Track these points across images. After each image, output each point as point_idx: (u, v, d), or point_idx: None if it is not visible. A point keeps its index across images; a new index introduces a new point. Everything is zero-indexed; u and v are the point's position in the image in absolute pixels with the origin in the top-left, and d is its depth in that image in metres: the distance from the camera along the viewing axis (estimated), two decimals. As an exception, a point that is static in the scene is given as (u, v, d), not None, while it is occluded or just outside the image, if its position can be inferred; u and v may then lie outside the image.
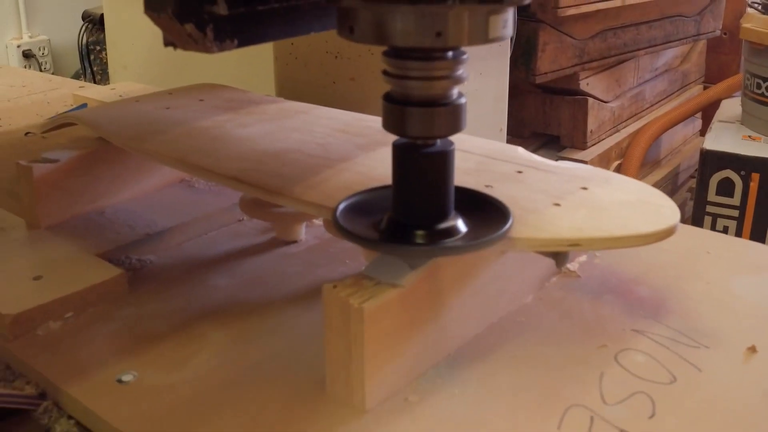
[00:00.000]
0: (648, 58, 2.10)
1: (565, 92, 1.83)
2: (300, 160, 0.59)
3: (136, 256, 0.62)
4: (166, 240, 0.65)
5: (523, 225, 0.48)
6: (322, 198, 0.53)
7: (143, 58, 1.71)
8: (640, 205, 0.52)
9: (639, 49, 1.98)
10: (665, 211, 0.51)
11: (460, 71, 0.44)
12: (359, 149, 0.61)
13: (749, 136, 1.72)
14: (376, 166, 0.58)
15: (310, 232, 0.67)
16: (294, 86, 1.08)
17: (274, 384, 0.48)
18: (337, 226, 0.48)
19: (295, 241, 0.65)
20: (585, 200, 0.52)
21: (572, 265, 0.61)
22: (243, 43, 0.45)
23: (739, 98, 1.97)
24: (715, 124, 1.83)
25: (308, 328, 0.54)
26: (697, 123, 2.38)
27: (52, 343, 0.52)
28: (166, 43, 0.44)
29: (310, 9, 0.49)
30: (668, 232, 0.49)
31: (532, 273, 0.57)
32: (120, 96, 1.01)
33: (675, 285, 0.59)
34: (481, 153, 0.61)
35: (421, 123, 0.45)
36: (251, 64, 1.35)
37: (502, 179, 0.55)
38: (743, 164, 1.62)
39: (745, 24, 1.91)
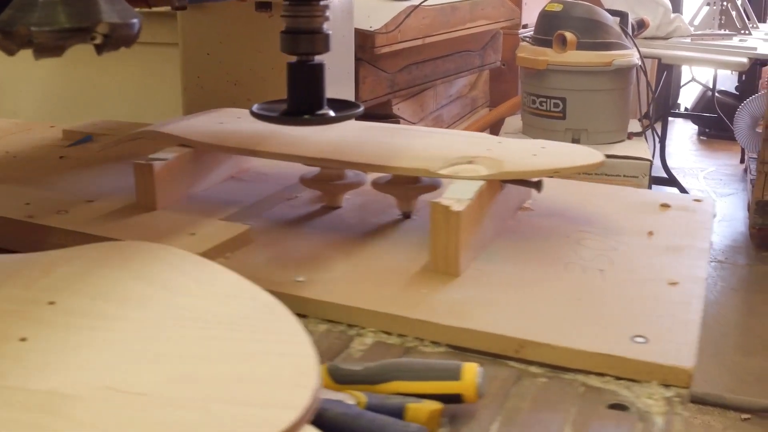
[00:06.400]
0: (444, 86, 2.55)
1: (381, 117, 2.17)
2: (370, 146, 0.90)
3: (240, 222, 0.89)
4: (254, 211, 0.92)
5: (523, 164, 0.82)
6: (418, 163, 0.84)
7: (34, 102, 1.88)
8: (580, 151, 0.87)
9: (437, 79, 2.41)
10: (595, 153, 0.86)
11: (327, 13, 0.80)
12: (395, 136, 0.93)
13: (529, 143, 2.22)
14: (427, 144, 0.90)
15: (345, 201, 0.96)
16: (201, 110, 1.38)
17: (393, 270, 0.77)
18: (254, 115, 0.83)
19: (339, 207, 0.94)
20: (548, 151, 0.87)
21: (526, 204, 0.95)
22: (192, 1, 0.82)
23: (519, 115, 2.50)
24: (502, 136, 2.32)
25: (392, 243, 0.84)
26: (490, 141, 2.87)
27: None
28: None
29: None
30: (601, 163, 0.84)
31: (511, 205, 0.91)
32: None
33: (591, 211, 0.95)
34: (466, 136, 0.94)
35: (307, 44, 0.80)
36: (157, 96, 1.63)
37: (493, 146, 0.89)
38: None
39: (520, 54, 2.47)
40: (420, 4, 2.02)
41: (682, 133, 4.98)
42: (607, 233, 0.87)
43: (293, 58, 0.83)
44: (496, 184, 0.83)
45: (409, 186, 0.89)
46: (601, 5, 3.07)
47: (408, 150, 0.89)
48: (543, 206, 0.96)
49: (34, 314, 0.53)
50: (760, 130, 2.80)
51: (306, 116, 0.81)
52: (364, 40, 1.88)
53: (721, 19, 3.64)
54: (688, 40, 3.45)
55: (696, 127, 4.87)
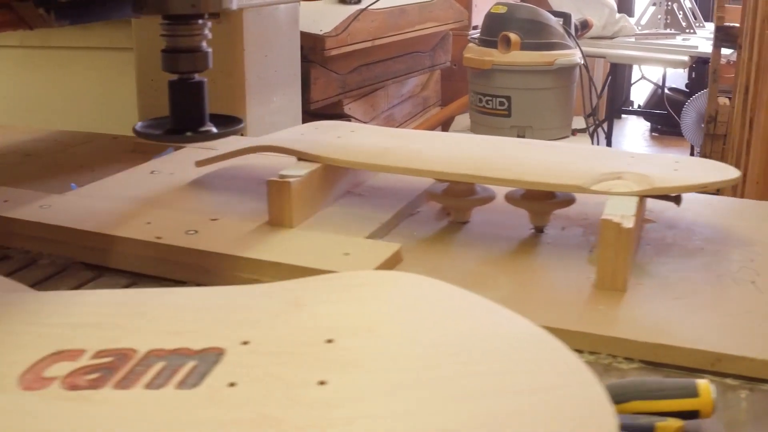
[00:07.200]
0: (395, 86, 2.62)
1: (333, 116, 2.20)
2: (503, 161, 0.91)
3: (377, 239, 0.90)
4: (387, 227, 0.93)
5: (672, 180, 0.85)
6: (567, 179, 0.86)
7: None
8: (714, 165, 0.90)
9: (387, 80, 2.47)
10: (731, 169, 0.89)
11: (206, 32, 0.82)
12: (517, 150, 0.94)
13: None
14: (557, 159, 0.92)
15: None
16: (155, 112, 1.41)
17: (558, 287, 0.79)
18: (137, 133, 0.85)
19: (467, 222, 0.96)
20: (685, 166, 0.89)
21: (647, 216, 0.98)
22: (73, 22, 0.82)
23: (468, 113, 2.60)
24: (451, 133, 2.39)
25: (539, 258, 0.86)
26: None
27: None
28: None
29: None
30: (739, 179, 0.87)
31: (642, 218, 0.93)
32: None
33: (709, 221, 0.97)
34: (588, 150, 0.97)
35: (187, 62, 0.83)
36: (116, 99, 1.68)
37: (632, 161, 0.91)
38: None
39: (467, 54, 2.58)
40: (367, 8, 2.09)
41: (634, 129, 5.09)
42: (737, 244, 0.90)
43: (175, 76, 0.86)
44: (641, 198, 0.85)
45: (545, 201, 0.90)
46: (547, 6, 3.16)
47: (539, 164, 0.90)
48: (664, 217, 0.98)
49: (316, 353, 0.53)
50: (706, 126, 2.90)
51: (189, 133, 0.84)
52: (314, 42, 1.94)
53: (666, 19, 3.77)
54: (633, 39, 3.58)
55: (648, 123, 4.98)
